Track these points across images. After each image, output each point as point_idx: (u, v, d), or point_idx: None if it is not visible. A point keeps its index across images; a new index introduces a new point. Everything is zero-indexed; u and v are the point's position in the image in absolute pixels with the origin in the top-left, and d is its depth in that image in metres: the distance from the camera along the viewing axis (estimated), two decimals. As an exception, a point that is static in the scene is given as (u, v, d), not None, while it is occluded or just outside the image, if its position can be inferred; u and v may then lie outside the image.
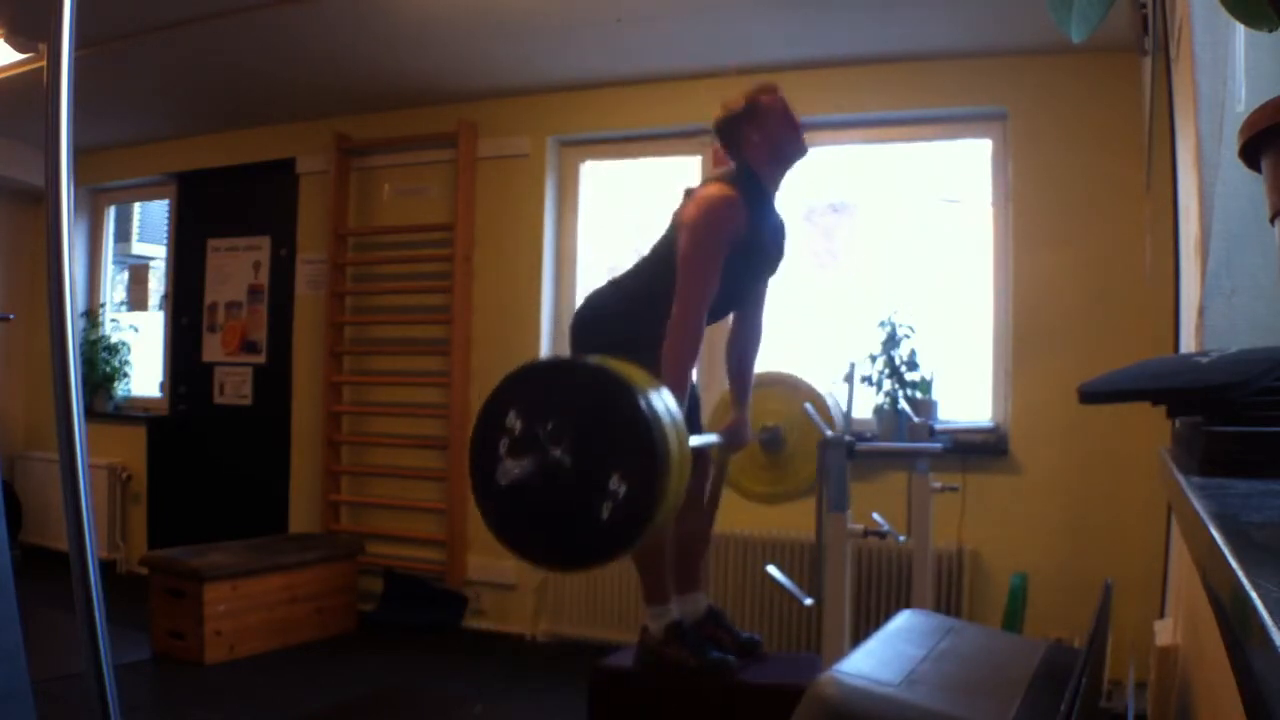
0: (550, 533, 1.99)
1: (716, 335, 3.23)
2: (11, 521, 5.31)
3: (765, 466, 3.19)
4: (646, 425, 1.88)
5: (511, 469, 1.94)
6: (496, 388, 2.05)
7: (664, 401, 2.00)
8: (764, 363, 3.03)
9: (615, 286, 2.88)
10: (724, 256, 2.65)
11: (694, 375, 2.78)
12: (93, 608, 1.02)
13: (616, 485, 1.89)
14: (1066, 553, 3.55)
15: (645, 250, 2.87)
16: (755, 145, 2.74)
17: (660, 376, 2.65)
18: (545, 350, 4.47)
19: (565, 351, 3.05)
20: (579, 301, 4.41)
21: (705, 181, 2.81)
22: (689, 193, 2.78)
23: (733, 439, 2.89)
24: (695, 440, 2.61)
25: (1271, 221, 0.66)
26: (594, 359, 2.10)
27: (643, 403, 1.90)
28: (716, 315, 2.78)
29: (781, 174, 2.80)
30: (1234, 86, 1.43)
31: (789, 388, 3.20)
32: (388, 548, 4.67)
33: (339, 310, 4.88)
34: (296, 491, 5.00)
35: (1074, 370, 2.06)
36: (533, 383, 2.08)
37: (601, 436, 1.93)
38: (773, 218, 2.82)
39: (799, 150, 2.78)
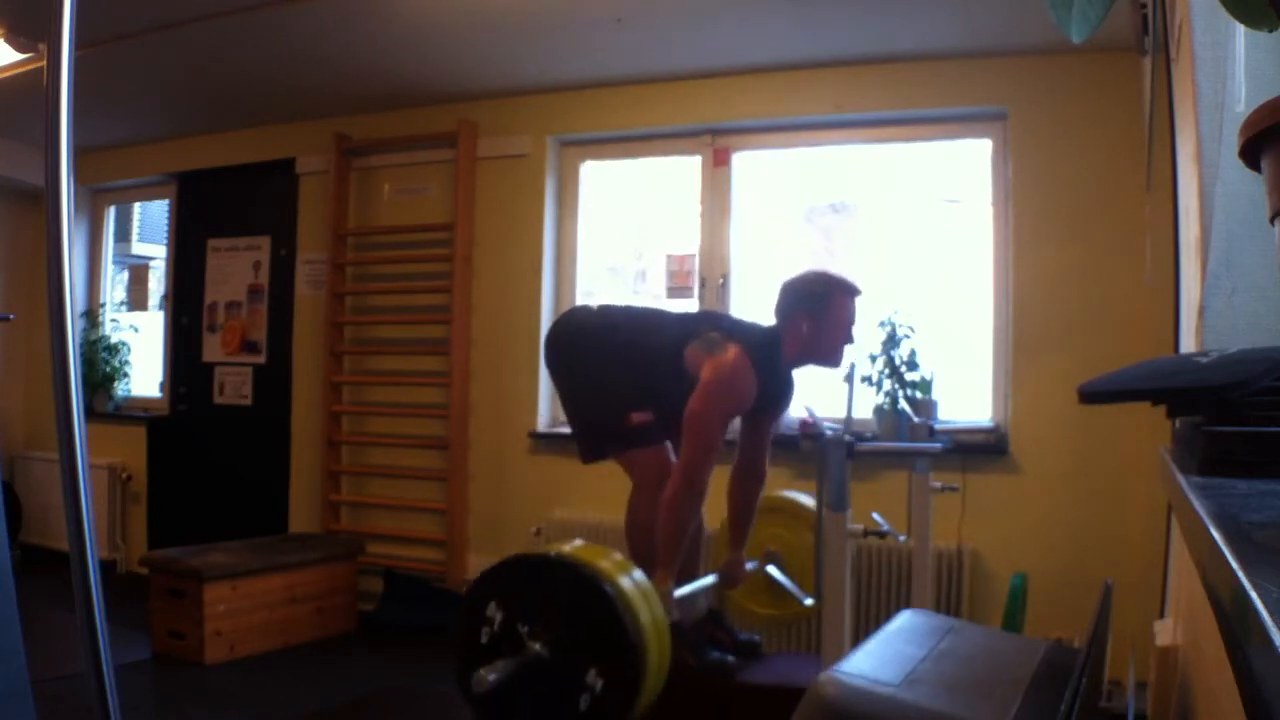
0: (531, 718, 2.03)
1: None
2: (11, 521, 5.31)
3: (768, 590, 3.23)
4: (620, 621, 1.93)
5: (485, 677, 1.99)
6: (480, 577, 2.11)
7: (641, 591, 2.04)
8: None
9: (604, 317, 2.94)
10: (730, 419, 2.74)
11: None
12: (93, 608, 1.02)
13: (594, 680, 1.93)
14: (1066, 553, 3.55)
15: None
16: (800, 335, 2.76)
17: (639, 429, 2.73)
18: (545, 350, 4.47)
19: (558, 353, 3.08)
20: (579, 301, 4.46)
21: (730, 335, 2.77)
22: (711, 340, 2.74)
23: (728, 579, 2.98)
24: (689, 587, 2.68)
25: (1271, 221, 0.66)
26: (566, 550, 2.16)
27: (616, 597, 1.95)
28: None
29: (803, 363, 2.83)
30: (1234, 86, 1.43)
31: (791, 514, 3.23)
32: (388, 548, 4.66)
33: (339, 310, 4.88)
34: (296, 491, 5.00)
35: (1074, 370, 2.06)
36: (514, 574, 2.12)
37: (580, 629, 1.99)
38: (783, 377, 2.87)
39: (835, 362, 2.80)
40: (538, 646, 1.99)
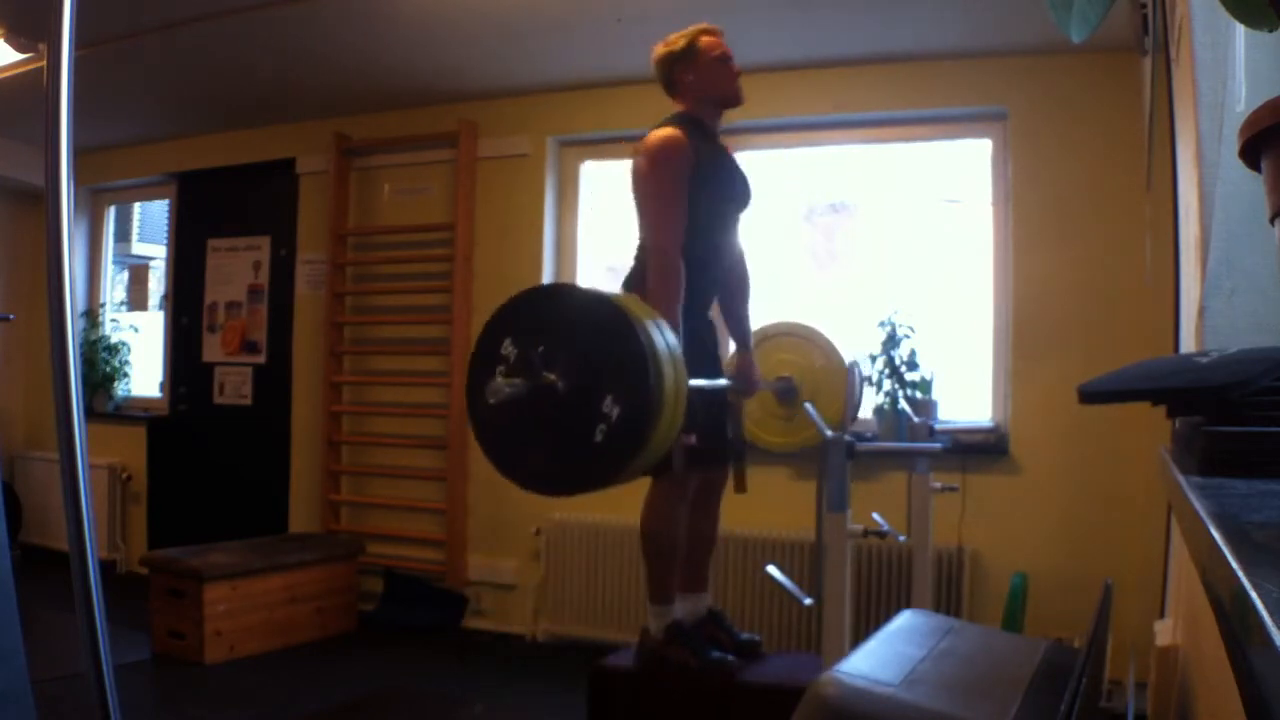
0: (542, 455, 1.98)
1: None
2: (11, 521, 5.31)
3: (781, 417, 3.21)
4: (641, 349, 1.87)
5: (502, 387, 1.93)
6: (495, 313, 2.06)
7: (662, 332, 2.00)
8: (775, 315, 3.03)
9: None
10: (680, 188, 2.64)
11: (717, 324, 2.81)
12: (93, 608, 1.02)
13: (610, 408, 1.88)
14: (1066, 553, 3.55)
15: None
16: (689, 86, 2.78)
17: None
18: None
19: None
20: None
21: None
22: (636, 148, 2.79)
23: (741, 380, 2.89)
24: (703, 381, 2.60)
25: (1271, 221, 0.66)
26: (591, 288, 2.11)
27: (639, 327, 1.90)
28: (705, 276, 2.75)
29: (718, 115, 2.82)
30: (1234, 86, 1.43)
31: (801, 337, 3.21)
32: (388, 548, 4.66)
33: (339, 310, 4.88)
34: (296, 491, 5.00)
35: (1074, 370, 2.06)
36: (530, 307, 2.08)
37: (597, 359, 1.93)
38: (725, 158, 2.84)
39: (734, 94, 2.80)
40: (553, 376, 1.94)
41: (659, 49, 2.85)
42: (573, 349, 1.94)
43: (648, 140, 2.71)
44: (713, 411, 2.73)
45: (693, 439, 2.55)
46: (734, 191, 2.86)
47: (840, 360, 3.16)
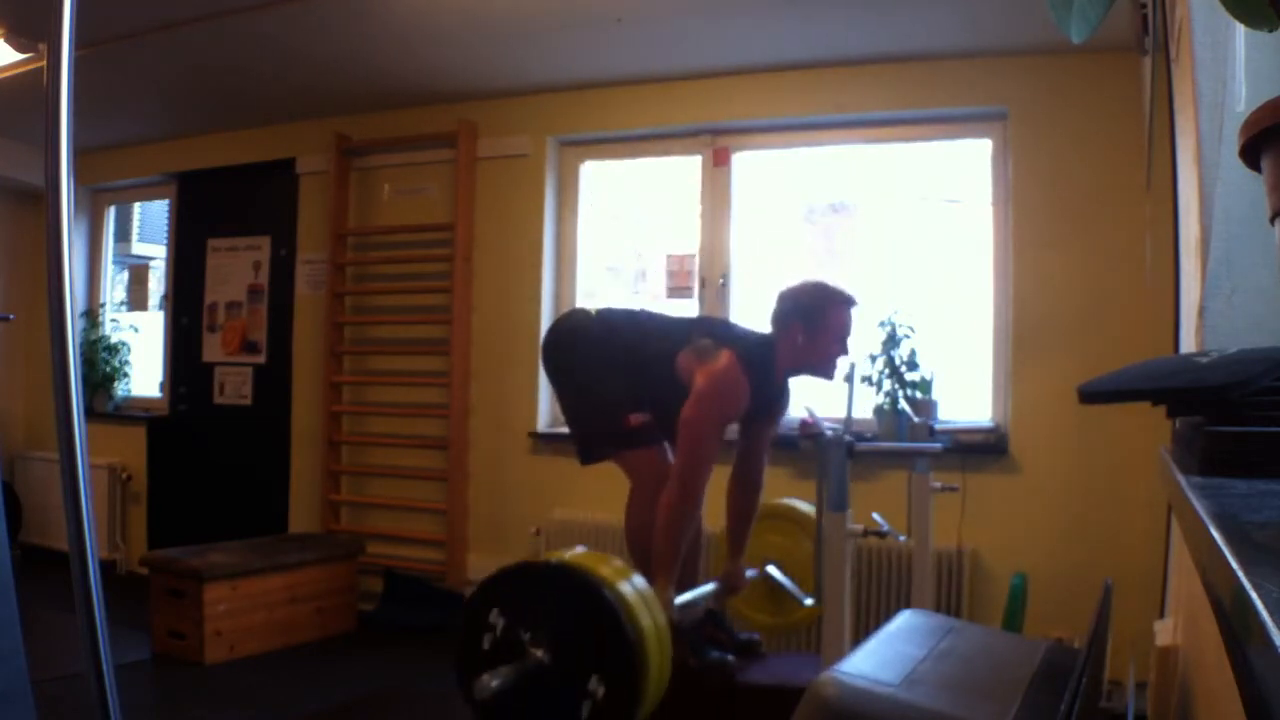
0: None
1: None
2: (11, 521, 5.31)
3: (768, 598, 3.23)
4: (621, 628, 1.92)
5: (489, 684, 1.98)
6: (483, 582, 2.11)
7: (642, 598, 2.03)
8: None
9: (605, 325, 2.92)
10: (724, 427, 2.73)
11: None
12: (93, 608, 1.02)
13: (595, 686, 1.93)
14: (1066, 553, 3.55)
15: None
16: (794, 344, 2.76)
17: (639, 431, 2.73)
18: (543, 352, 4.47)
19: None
20: (579, 301, 4.45)
21: (721, 341, 2.77)
22: (703, 347, 2.75)
23: (728, 587, 2.97)
24: (689, 594, 2.67)
25: (1271, 221, 0.66)
26: (567, 557, 2.16)
27: (622, 611, 1.95)
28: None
29: (798, 374, 2.84)
30: (1234, 86, 1.43)
31: (792, 521, 3.23)
32: (388, 548, 4.66)
33: (339, 310, 4.88)
34: (296, 491, 5.00)
35: (1074, 370, 2.06)
36: (517, 582, 2.12)
37: (582, 637, 1.98)
38: (778, 385, 2.87)
39: (827, 375, 2.80)
40: (539, 653, 1.99)
41: (791, 287, 2.83)
42: (558, 626, 2.00)
43: (718, 368, 2.68)
44: (669, 400, 2.74)
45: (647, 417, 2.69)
46: (769, 409, 2.91)
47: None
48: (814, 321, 2.74)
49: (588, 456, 2.89)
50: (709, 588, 2.88)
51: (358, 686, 3.70)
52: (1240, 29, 1.40)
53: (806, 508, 3.18)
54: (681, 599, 2.58)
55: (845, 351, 2.78)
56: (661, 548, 2.61)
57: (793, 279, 2.91)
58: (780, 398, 2.93)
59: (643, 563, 2.84)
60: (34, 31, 3.51)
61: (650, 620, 2.00)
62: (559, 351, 2.98)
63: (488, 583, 2.12)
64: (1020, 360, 3.72)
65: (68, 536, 1.03)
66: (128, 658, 3.83)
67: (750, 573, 3.09)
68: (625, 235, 4.72)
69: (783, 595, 3.19)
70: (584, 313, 3.09)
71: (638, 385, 2.79)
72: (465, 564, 4.53)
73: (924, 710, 1.34)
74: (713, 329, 2.87)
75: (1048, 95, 3.69)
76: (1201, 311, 1.47)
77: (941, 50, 3.75)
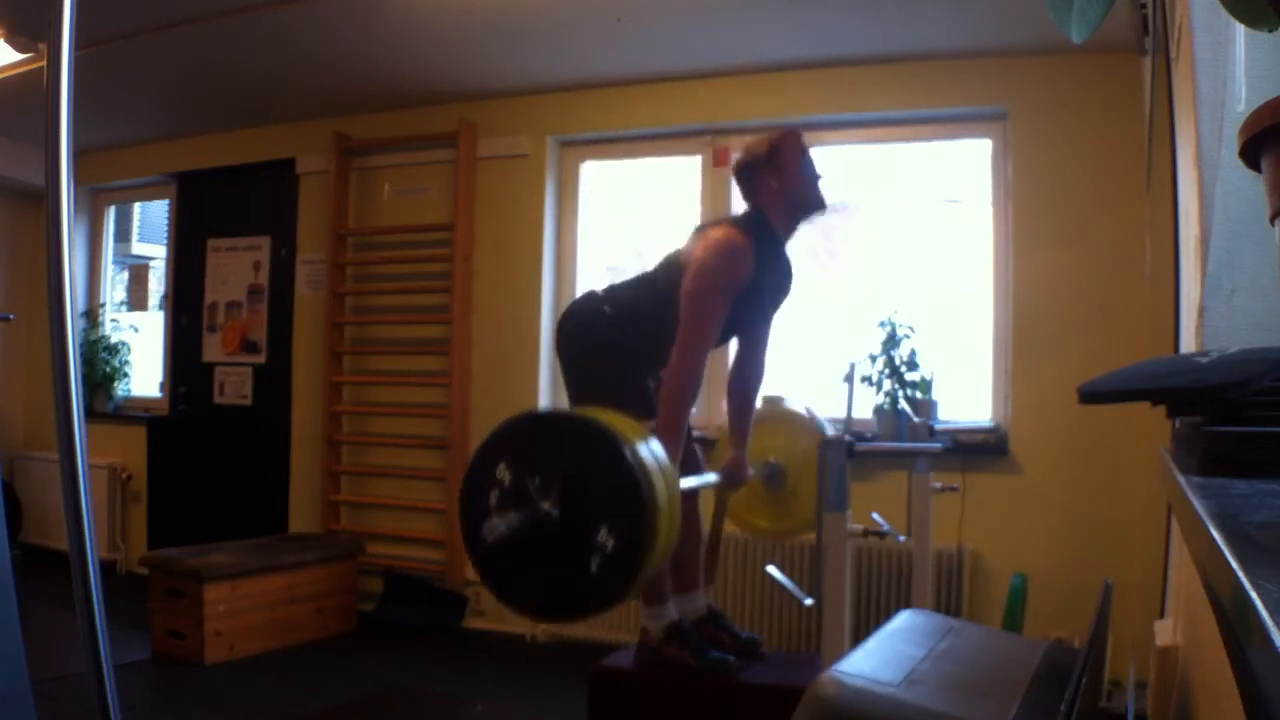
0: (541, 586, 2.01)
1: (717, 365, 3.19)
2: (11, 521, 5.31)
3: (768, 501, 3.20)
4: (634, 478, 1.90)
5: (497, 526, 1.96)
6: (485, 440, 2.08)
7: (653, 453, 2.01)
8: (767, 381, 3.02)
9: (610, 300, 2.85)
10: (729, 302, 2.62)
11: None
12: (93, 608, 1.02)
13: (605, 538, 1.91)
14: (1066, 553, 3.55)
15: (648, 267, 2.87)
16: (773, 193, 2.71)
17: (649, 404, 2.68)
18: (545, 350, 4.47)
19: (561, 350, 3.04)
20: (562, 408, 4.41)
21: (716, 222, 2.76)
22: (699, 230, 2.75)
23: (730, 478, 2.89)
24: (692, 481, 2.64)
25: (1271, 221, 0.66)
26: (583, 411, 2.12)
27: (629, 455, 1.92)
28: (716, 344, 2.76)
29: (796, 225, 2.77)
30: (1234, 86, 1.43)
31: (791, 423, 3.21)
32: (388, 548, 4.66)
33: (339, 310, 4.88)
34: (296, 491, 5.00)
35: (1074, 370, 2.06)
36: (522, 435, 2.10)
37: (589, 490, 1.96)
38: (781, 260, 2.80)
39: (818, 202, 2.74)
40: (548, 505, 1.96)
41: (739, 154, 2.79)
42: (567, 478, 1.97)
43: (715, 236, 2.65)
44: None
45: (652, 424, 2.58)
46: (775, 292, 2.85)
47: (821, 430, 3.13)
48: (775, 162, 2.71)
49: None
50: (710, 477, 2.83)
51: (358, 686, 3.70)
52: (1240, 29, 1.40)
53: (802, 409, 3.16)
54: (686, 483, 2.47)
55: (819, 173, 2.73)
56: (666, 421, 2.55)
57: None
58: (787, 275, 2.85)
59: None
60: (34, 31, 3.51)
61: (660, 474, 1.98)
62: (573, 344, 2.92)
63: (496, 434, 2.08)
64: (1020, 360, 3.72)
65: (68, 536, 1.03)
66: (128, 658, 3.83)
67: (750, 473, 3.05)
68: (625, 235, 4.72)
69: (783, 498, 3.16)
70: (592, 295, 3.01)
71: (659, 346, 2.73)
72: (465, 564, 4.52)
73: (924, 710, 1.34)
74: (702, 225, 2.83)
75: (1048, 95, 3.69)
76: (1201, 311, 1.47)
77: (941, 50, 3.76)
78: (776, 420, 3.19)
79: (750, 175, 2.75)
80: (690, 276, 2.62)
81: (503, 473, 2.01)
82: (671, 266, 2.74)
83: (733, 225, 2.70)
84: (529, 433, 2.12)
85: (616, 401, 2.67)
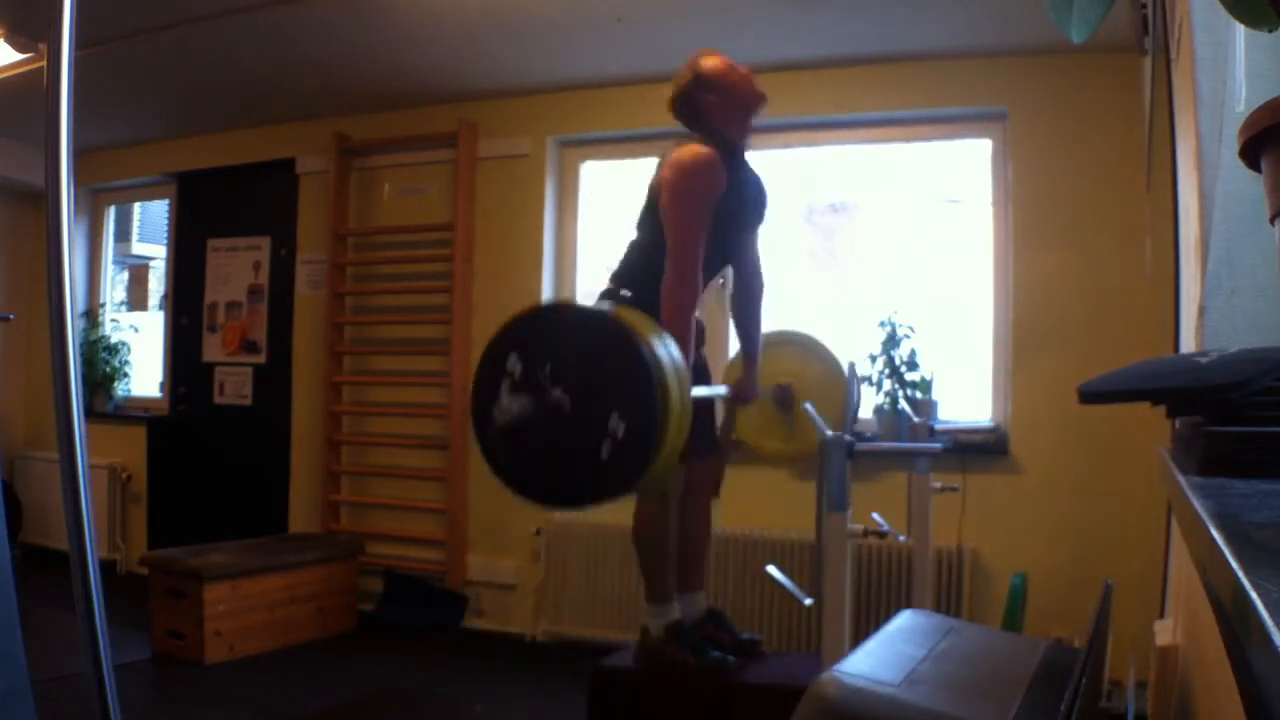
0: (550, 472, 1.99)
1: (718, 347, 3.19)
2: (11, 521, 5.31)
3: (779, 424, 3.24)
4: (646, 366, 1.88)
5: (509, 407, 1.94)
6: (499, 330, 2.06)
7: (667, 347, 2.01)
8: (778, 322, 3.06)
9: (619, 282, 2.88)
10: (709, 209, 2.65)
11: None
12: (93, 608, 1.02)
13: (616, 424, 1.89)
14: (1066, 553, 3.55)
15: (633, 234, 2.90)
16: (715, 105, 2.75)
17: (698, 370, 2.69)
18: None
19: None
20: (579, 301, 4.44)
21: (678, 144, 2.79)
22: (663, 160, 2.79)
23: (740, 392, 2.93)
24: (703, 390, 2.62)
25: (1271, 221, 0.66)
26: (597, 305, 2.11)
27: (644, 346, 1.91)
28: (709, 273, 2.78)
29: (748, 127, 2.81)
30: (1234, 86, 1.43)
31: (802, 347, 3.24)
32: (388, 548, 4.66)
33: (339, 310, 4.88)
34: (296, 491, 5.00)
35: (1074, 370, 2.06)
36: (535, 324, 2.09)
37: (603, 377, 1.94)
38: (749, 173, 2.84)
39: (757, 97, 2.79)
40: (559, 392, 1.95)
41: (671, 89, 2.82)
42: (578, 367, 1.95)
43: (680, 156, 2.69)
44: (697, 412, 2.73)
45: None
46: (754, 206, 2.87)
47: (838, 367, 3.17)
48: (707, 85, 2.75)
49: None
50: (721, 389, 2.84)
51: (358, 686, 3.70)
52: (1240, 29, 1.40)
53: (811, 334, 3.25)
54: (697, 390, 2.46)
55: (745, 73, 2.76)
56: (673, 327, 2.53)
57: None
58: (760, 190, 2.87)
59: (648, 563, 2.83)
60: (34, 31, 3.51)
61: (674, 371, 1.98)
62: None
63: (507, 326, 2.08)
64: (1020, 360, 3.72)
65: (68, 536, 1.03)
66: (128, 658, 3.83)
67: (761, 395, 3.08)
68: (626, 235, 4.71)
69: (793, 420, 3.19)
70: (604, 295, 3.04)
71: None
72: (465, 564, 4.53)
73: (924, 710, 1.34)
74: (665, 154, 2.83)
75: (1047, 95, 3.69)
76: (1201, 311, 1.47)
77: (941, 50, 3.76)
78: (785, 344, 3.23)
79: (688, 102, 2.79)
80: (667, 195, 2.66)
81: (514, 364, 1.99)
82: (652, 209, 2.77)
83: (694, 143, 2.73)
84: (541, 322, 2.11)
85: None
